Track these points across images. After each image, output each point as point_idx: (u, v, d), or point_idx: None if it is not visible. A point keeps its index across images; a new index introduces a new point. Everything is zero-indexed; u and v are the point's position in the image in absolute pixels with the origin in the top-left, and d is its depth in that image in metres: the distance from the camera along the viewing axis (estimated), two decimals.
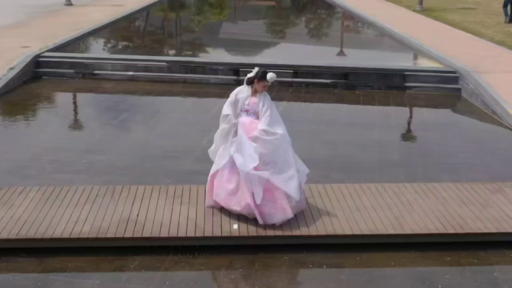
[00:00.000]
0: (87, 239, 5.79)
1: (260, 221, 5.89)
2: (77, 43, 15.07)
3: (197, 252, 5.76)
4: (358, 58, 14.71)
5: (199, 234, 5.88)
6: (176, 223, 6.03)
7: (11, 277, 5.38)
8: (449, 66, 12.35)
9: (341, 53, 17.01)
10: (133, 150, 8.51)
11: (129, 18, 20.54)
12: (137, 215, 6.16)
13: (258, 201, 5.85)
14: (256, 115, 6.11)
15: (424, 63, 13.50)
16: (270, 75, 6.02)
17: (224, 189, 6.07)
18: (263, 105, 6.05)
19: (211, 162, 7.61)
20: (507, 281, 5.43)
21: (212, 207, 6.25)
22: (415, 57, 14.40)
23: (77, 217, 6.09)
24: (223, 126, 6.16)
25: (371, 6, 22.90)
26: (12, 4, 21.98)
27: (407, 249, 5.85)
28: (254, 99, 6.10)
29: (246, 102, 6.13)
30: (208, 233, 5.89)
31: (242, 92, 6.16)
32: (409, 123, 10.44)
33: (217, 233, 5.89)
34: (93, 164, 7.97)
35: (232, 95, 6.19)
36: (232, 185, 6.01)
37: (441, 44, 14.75)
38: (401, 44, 15.79)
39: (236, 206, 6.00)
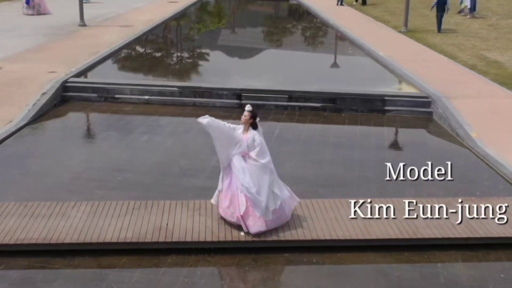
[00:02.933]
0: (130, 243, 7.62)
1: (245, 229, 7.72)
2: (97, 67, 16.85)
3: (213, 253, 7.59)
4: (345, 83, 16.31)
5: (214, 239, 7.70)
6: (197, 230, 7.87)
7: (76, 272, 7.21)
8: (423, 92, 14.21)
9: (335, 65, 19.42)
10: (156, 169, 10.33)
11: (140, 39, 22.32)
12: (167, 224, 7.98)
13: (242, 212, 7.70)
14: (248, 148, 7.86)
15: (402, 88, 15.37)
16: (246, 107, 7.96)
17: (222, 204, 7.96)
18: (254, 141, 7.83)
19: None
20: (446, 272, 7.29)
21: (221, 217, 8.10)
22: (395, 82, 16.14)
23: (120, 226, 7.92)
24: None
25: (361, 27, 24.66)
26: (30, 24, 23.72)
27: (373, 250, 7.70)
28: (245, 136, 7.94)
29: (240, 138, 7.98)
30: (221, 238, 7.71)
31: (238, 129, 8.01)
32: (385, 144, 12.22)
33: (229, 238, 7.72)
34: (124, 181, 9.80)
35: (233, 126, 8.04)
36: (227, 202, 7.87)
37: (419, 68, 16.61)
38: (384, 69, 17.54)
39: (230, 218, 7.88)
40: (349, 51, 21.69)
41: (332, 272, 7.34)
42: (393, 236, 7.76)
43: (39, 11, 26.68)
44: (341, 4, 33.32)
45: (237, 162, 7.78)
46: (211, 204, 8.40)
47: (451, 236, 7.79)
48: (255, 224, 7.71)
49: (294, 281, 7.18)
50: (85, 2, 24.43)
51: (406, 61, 17.53)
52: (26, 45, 19.28)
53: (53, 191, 9.32)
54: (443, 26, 22.95)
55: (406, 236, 7.76)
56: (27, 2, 26.65)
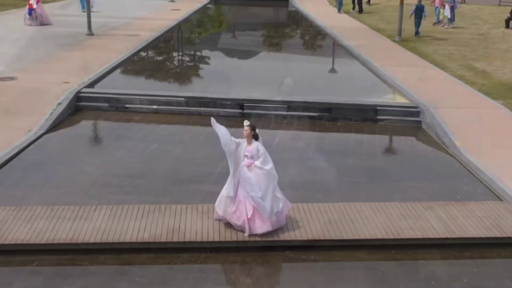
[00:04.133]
0: (148, 242, 8.61)
1: (247, 233, 8.66)
2: (107, 77, 17.82)
3: (220, 251, 8.58)
4: (340, 93, 17.20)
5: (222, 239, 8.68)
6: (206, 231, 8.85)
7: (101, 267, 8.20)
8: (413, 102, 15.20)
9: (330, 74, 20.43)
10: (166, 175, 11.31)
11: (146, 48, 23.27)
12: (179, 226, 8.97)
13: (249, 216, 8.66)
14: (253, 158, 8.87)
15: (394, 98, 16.36)
16: (244, 122, 8.90)
17: (228, 209, 8.88)
18: (259, 151, 8.82)
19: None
20: (426, 268, 8.29)
21: (219, 220, 9.05)
22: (387, 92, 17.08)
23: (138, 227, 8.90)
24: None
25: (356, 36, 25.60)
26: (38, 34, 24.60)
27: (363, 249, 8.70)
28: (250, 147, 8.91)
29: (246, 149, 8.95)
30: (228, 239, 8.70)
31: (242, 142, 8.99)
32: (377, 151, 13.19)
33: (234, 238, 8.70)
34: (139, 187, 10.78)
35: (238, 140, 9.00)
36: (234, 207, 8.82)
37: (410, 78, 17.62)
38: (377, 79, 18.55)
39: (236, 221, 8.81)
40: (344, 59, 22.64)
41: (327, 268, 8.35)
42: (380, 237, 8.76)
43: (42, 22, 27.42)
44: (339, 12, 34.37)
45: (243, 173, 8.76)
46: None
47: (432, 236, 8.80)
48: (263, 226, 8.68)
49: (294, 276, 8.18)
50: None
51: (398, 71, 18.53)
52: (38, 55, 20.23)
53: (75, 196, 10.28)
54: (432, 34, 23.88)
55: (392, 237, 8.76)
56: (29, 13, 27.40)
